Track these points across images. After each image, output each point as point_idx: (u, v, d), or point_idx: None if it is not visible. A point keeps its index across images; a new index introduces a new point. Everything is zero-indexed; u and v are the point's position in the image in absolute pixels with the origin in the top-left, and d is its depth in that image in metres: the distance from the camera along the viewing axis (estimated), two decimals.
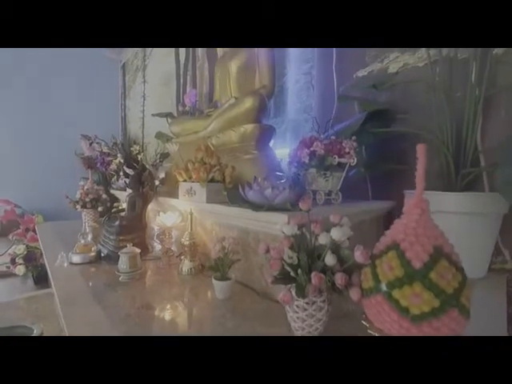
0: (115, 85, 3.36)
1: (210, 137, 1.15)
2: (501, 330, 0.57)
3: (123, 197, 1.45)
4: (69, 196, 1.64)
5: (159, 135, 1.96)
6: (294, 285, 0.47)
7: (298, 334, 0.49)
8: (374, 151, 0.98)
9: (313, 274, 0.43)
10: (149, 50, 2.68)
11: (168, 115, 1.84)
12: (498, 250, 0.77)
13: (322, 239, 0.46)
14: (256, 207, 0.66)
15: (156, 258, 1.00)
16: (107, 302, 0.68)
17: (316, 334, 0.49)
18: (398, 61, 0.97)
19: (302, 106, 1.29)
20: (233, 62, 1.24)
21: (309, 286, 0.44)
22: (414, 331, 0.35)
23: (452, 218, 0.68)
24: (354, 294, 0.42)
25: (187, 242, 0.85)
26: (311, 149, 0.76)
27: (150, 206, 1.15)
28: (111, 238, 0.98)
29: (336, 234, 0.44)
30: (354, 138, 0.79)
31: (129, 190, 1.14)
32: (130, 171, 1.13)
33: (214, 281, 0.69)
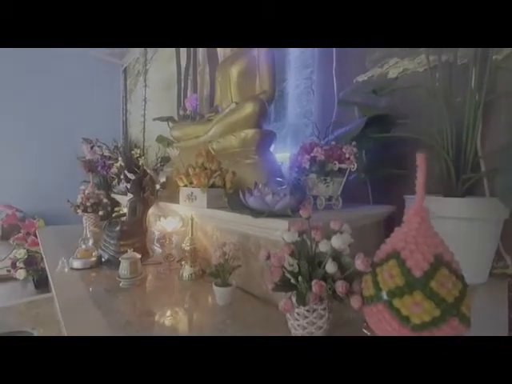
0: (117, 89, 3.38)
1: (210, 141, 1.15)
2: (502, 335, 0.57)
3: (124, 201, 1.46)
4: (70, 200, 1.64)
5: (160, 139, 1.97)
6: (294, 292, 0.47)
7: None
8: (374, 156, 0.98)
9: (313, 282, 0.43)
10: (150, 54, 2.70)
11: (169, 119, 1.85)
12: (499, 255, 0.76)
13: (323, 247, 0.46)
14: (256, 213, 0.67)
15: (156, 262, 1.00)
16: (108, 308, 0.68)
17: None
18: (397, 66, 0.97)
19: (302, 110, 1.29)
20: (233, 67, 1.25)
21: (309, 294, 0.44)
22: None
23: (453, 223, 0.68)
24: (355, 301, 0.42)
25: (188, 248, 0.85)
26: (311, 154, 0.76)
27: (151, 211, 1.16)
28: (112, 243, 0.98)
29: (336, 242, 0.44)
30: (354, 143, 0.79)
31: (130, 195, 1.14)
32: (131, 176, 1.14)
33: (214, 287, 0.69)
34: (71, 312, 0.65)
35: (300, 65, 1.29)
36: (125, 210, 1.16)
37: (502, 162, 0.60)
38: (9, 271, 1.75)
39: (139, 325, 0.60)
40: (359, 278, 0.43)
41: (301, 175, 0.85)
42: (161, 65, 2.52)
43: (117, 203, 1.75)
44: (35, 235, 1.82)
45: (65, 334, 0.56)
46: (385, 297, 0.37)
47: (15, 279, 1.71)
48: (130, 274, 0.81)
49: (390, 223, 0.96)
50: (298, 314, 0.48)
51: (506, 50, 0.75)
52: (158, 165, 1.52)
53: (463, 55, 0.81)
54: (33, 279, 1.72)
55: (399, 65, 0.97)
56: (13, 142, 2.65)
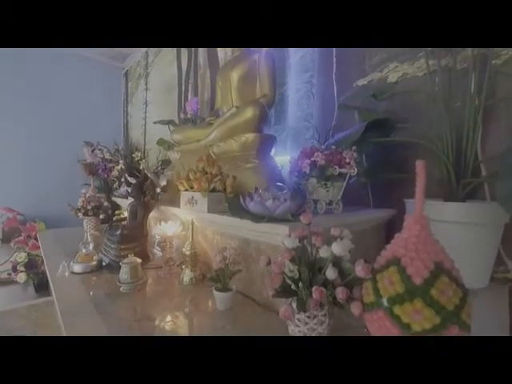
0: (118, 92, 3.40)
1: (211, 145, 1.15)
2: None
3: (125, 204, 1.46)
4: (70, 204, 1.65)
5: (161, 142, 1.98)
6: (295, 298, 0.47)
7: None
8: (375, 160, 0.98)
9: (314, 289, 0.43)
10: (151, 57, 2.71)
11: (169, 122, 1.86)
12: (500, 260, 0.76)
13: (323, 253, 0.46)
14: (257, 218, 0.67)
15: (157, 266, 1.00)
16: (108, 313, 0.68)
17: None
18: (397, 70, 0.98)
19: (302, 114, 1.29)
20: (234, 71, 1.25)
21: (310, 300, 0.44)
22: None
23: (453, 227, 0.68)
24: (355, 308, 0.42)
25: (188, 252, 0.85)
26: (312, 159, 0.76)
27: (152, 214, 1.16)
28: (112, 247, 0.98)
29: (337, 249, 0.44)
30: (354, 148, 0.79)
31: (130, 199, 1.14)
32: (131, 180, 1.14)
33: (214, 292, 0.69)
34: (72, 317, 0.65)
35: (300, 69, 1.30)
36: (125, 214, 1.16)
37: (503, 167, 0.60)
38: (9, 274, 1.75)
39: (140, 330, 0.60)
40: (359, 284, 0.43)
41: (301, 179, 0.86)
42: (162, 68, 2.53)
43: (117, 206, 1.75)
44: (36, 238, 1.82)
45: None
46: (385, 304, 0.37)
47: (16, 282, 1.70)
48: (131, 278, 0.81)
49: (391, 227, 0.96)
50: (299, 320, 0.48)
51: (506, 55, 0.75)
52: (159, 168, 1.53)
53: (463, 60, 0.81)
54: (33, 283, 1.71)
55: (399, 69, 0.97)
56: (14, 145, 2.66)
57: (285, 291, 0.47)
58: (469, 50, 0.78)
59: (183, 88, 2.21)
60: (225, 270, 0.68)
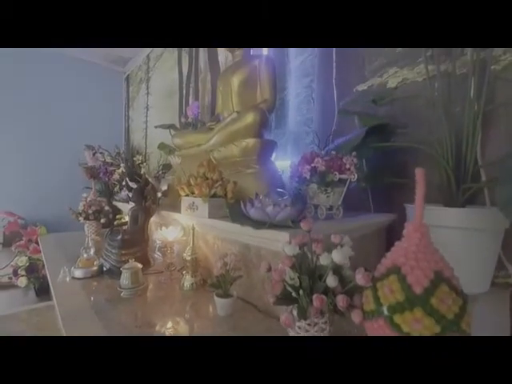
0: (119, 96, 3.41)
1: (212, 150, 1.16)
2: None
3: (125, 209, 1.46)
4: (71, 207, 1.65)
5: (162, 146, 1.98)
6: (295, 305, 0.47)
7: None
8: (375, 165, 0.98)
9: (314, 297, 0.43)
10: (152, 62, 2.73)
11: (170, 127, 1.86)
12: (501, 264, 0.76)
13: (324, 260, 0.46)
14: (258, 224, 0.67)
15: (158, 271, 1.00)
16: (109, 318, 0.68)
17: None
18: (397, 76, 0.98)
19: (302, 118, 1.30)
20: (235, 76, 1.26)
21: (310, 308, 0.44)
22: None
23: (453, 232, 0.68)
24: (356, 316, 0.42)
25: (189, 258, 0.85)
26: (312, 165, 0.77)
27: (153, 219, 1.16)
28: (113, 252, 0.99)
29: (337, 256, 0.44)
30: (354, 153, 0.80)
31: (131, 204, 1.15)
32: (132, 185, 1.14)
33: (215, 298, 0.69)
34: (72, 322, 0.66)
35: (300, 74, 1.31)
36: (126, 218, 1.16)
37: (502, 172, 0.61)
38: (10, 279, 1.75)
39: (140, 335, 0.60)
40: (360, 292, 0.43)
41: (301, 185, 0.86)
42: (163, 72, 2.55)
43: (118, 210, 1.75)
44: (37, 242, 1.83)
45: None
46: (385, 312, 0.37)
47: (17, 287, 1.70)
48: (132, 284, 0.81)
49: (391, 231, 0.96)
50: (300, 328, 0.48)
51: (505, 61, 0.76)
52: (160, 172, 1.53)
53: (462, 65, 0.81)
54: (34, 287, 1.71)
55: (398, 74, 0.98)
56: (14, 148, 2.66)
57: (285, 299, 0.47)
58: (468, 56, 0.78)
59: (184, 92, 2.22)
60: (225, 275, 0.69)
